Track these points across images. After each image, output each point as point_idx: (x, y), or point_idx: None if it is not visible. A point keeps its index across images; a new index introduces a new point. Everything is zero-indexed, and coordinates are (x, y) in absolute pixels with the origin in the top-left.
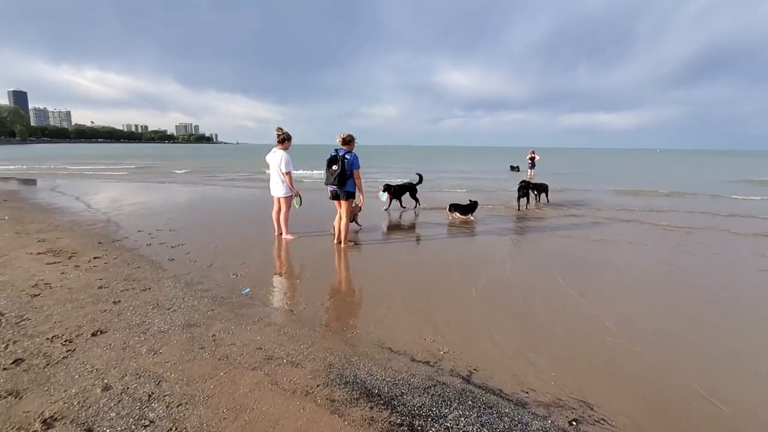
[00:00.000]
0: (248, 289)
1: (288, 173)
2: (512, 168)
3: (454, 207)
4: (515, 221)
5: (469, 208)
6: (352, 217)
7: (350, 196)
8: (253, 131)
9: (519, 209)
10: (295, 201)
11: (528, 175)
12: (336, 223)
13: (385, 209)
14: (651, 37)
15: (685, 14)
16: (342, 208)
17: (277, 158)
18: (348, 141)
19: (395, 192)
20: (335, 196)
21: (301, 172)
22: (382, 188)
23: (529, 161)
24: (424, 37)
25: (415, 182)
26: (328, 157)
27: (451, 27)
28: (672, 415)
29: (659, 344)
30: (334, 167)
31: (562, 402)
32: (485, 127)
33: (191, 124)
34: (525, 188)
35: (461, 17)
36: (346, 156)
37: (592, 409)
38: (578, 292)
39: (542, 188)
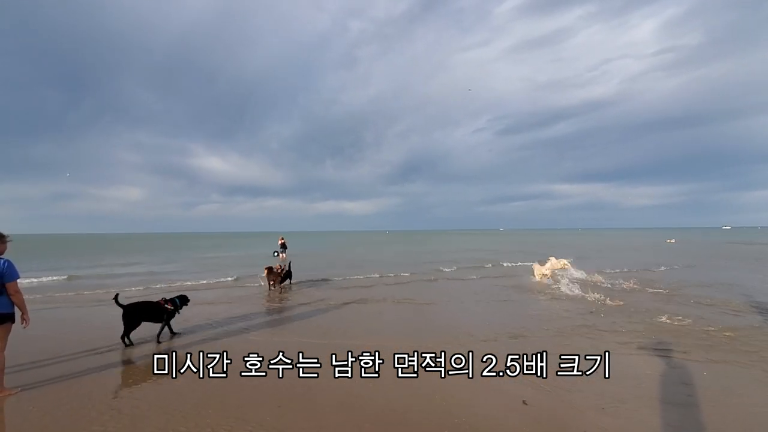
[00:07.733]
0: None
1: None
2: (275, 253)
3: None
4: None
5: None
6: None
7: (3, 320)
8: None
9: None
10: None
11: (280, 257)
12: None
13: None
14: (375, 146)
15: (393, 132)
16: None
17: None
18: None
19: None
20: None
21: None
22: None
23: (281, 246)
24: (179, 118)
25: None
26: None
27: (207, 115)
28: None
29: None
30: None
31: None
32: (246, 212)
33: None
34: None
35: (216, 108)
36: None
37: None
38: None
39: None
